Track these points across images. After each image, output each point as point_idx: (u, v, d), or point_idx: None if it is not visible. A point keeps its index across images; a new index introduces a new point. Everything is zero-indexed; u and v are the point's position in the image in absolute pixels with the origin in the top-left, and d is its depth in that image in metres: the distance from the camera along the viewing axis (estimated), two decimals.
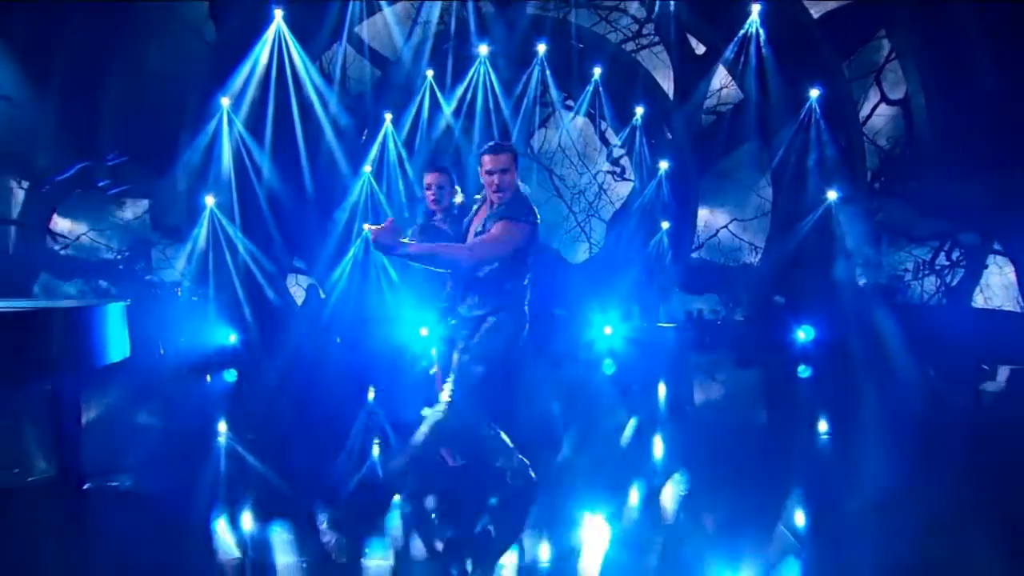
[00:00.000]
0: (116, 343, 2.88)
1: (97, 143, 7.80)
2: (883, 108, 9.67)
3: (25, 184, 8.24)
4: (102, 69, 8.24)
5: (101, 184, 7.39)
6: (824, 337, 8.15)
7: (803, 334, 8.28)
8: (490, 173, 3.24)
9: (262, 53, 8.72)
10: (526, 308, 3.36)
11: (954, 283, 9.04)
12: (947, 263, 9.16)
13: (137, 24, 9.01)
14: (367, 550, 2.78)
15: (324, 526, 2.94)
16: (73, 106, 7.81)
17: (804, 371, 7.33)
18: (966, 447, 4.55)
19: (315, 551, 2.72)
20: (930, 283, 9.19)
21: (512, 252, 3.17)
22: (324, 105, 9.06)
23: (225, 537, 2.78)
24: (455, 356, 3.29)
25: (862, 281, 8.99)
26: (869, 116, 9.72)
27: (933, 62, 8.82)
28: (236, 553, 2.62)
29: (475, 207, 3.48)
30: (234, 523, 2.93)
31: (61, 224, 9.33)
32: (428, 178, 3.90)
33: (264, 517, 2.98)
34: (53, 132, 7.53)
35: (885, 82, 9.60)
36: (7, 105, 6.17)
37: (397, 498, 3.24)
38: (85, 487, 2.47)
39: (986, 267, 8.91)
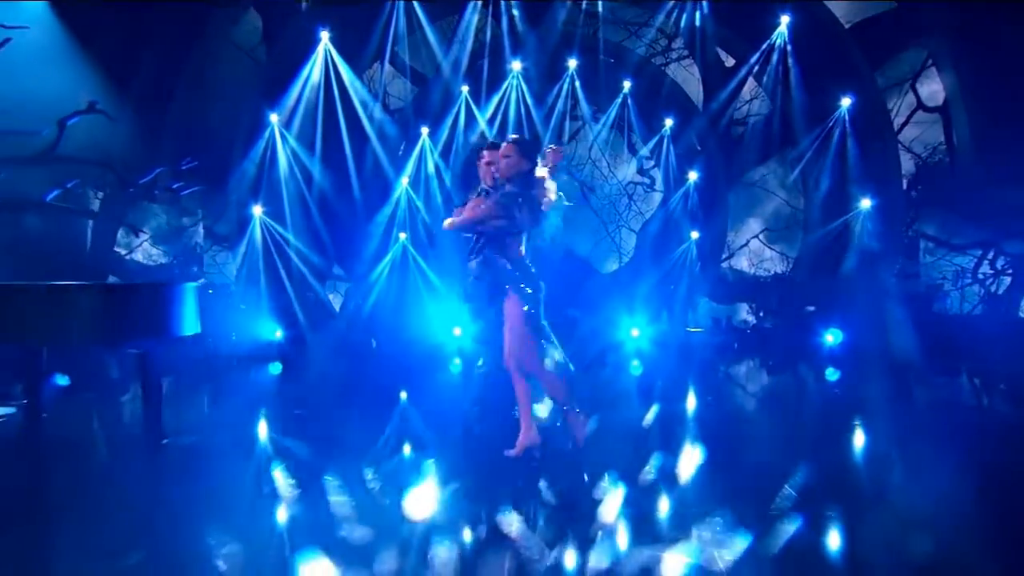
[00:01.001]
0: (190, 318, 3.26)
1: (170, 151, 8.66)
2: (919, 115, 9.53)
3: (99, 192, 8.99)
4: (173, 87, 9.08)
5: (175, 186, 8.21)
6: (853, 341, 7.99)
7: (831, 337, 8.14)
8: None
9: (312, 71, 9.37)
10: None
11: (999, 292, 8.72)
12: (991, 271, 8.86)
13: (201, 48, 9.81)
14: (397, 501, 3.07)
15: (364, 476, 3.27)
16: (151, 119, 8.75)
17: (832, 374, 7.22)
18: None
19: (351, 498, 3.06)
20: (972, 292, 8.89)
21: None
22: (370, 118, 9.64)
23: (279, 483, 3.24)
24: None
25: (898, 289, 8.78)
26: (905, 124, 9.59)
27: (972, 69, 8.69)
28: (287, 495, 3.10)
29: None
30: (286, 472, 3.42)
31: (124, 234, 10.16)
32: (487, 155, 3.96)
33: (309, 468, 3.48)
34: (138, 141, 8.42)
35: (921, 89, 9.48)
36: (105, 119, 7.09)
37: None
38: (164, 441, 2.85)
39: None
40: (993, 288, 8.75)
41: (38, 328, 2.58)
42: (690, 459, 3.97)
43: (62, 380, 4.94)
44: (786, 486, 3.30)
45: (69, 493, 3.10)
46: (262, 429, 4.54)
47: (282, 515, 2.93)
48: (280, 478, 3.29)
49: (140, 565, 2.26)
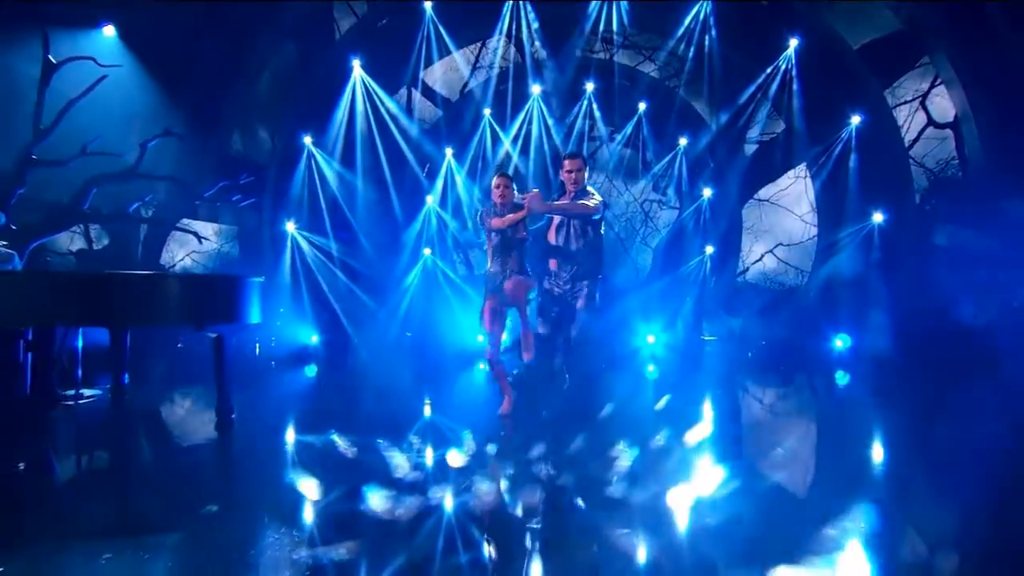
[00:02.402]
0: (256, 310, 3.71)
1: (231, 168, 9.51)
2: (930, 131, 9.74)
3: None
4: (224, 112, 9.89)
5: (235, 198, 8.98)
6: (862, 347, 8.13)
7: (840, 343, 8.28)
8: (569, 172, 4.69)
9: (348, 96, 10.05)
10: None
11: (1015, 303, 8.78)
12: (1005, 282, 8.93)
13: (244, 76, 10.56)
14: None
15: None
16: (213, 140, 9.64)
17: (842, 377, 7.38)
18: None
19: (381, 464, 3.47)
20: (988, 303, 8.95)
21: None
22: (406, 139, 10.26)
23: (328, 452, 3.69)
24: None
25: (913, 300, 8.90)
26: (916, 140, 9.81)
27: (979, 84, 8.91)
28: (333, 460, 3.57)
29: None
30: (330, 444, 3.88)
31: (168, 251, 10.85)
32: (496, 180, 4.69)
33: (351, 441, 3.92)
34: (203, 160, 9.30)
35: (931, 106, 9.71)
36: (177, 140, 7.97)
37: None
38: (233, 416, 3.26)
39: None
40: (1010, 299, 8.82)
41: (141, 311, 3.05)
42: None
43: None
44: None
45: (158, 455, 3.72)
46: (306, 408, 5.30)
47: (333, 467, 3.39)
48: (333, 440, 3.80)
49: (219, 513, 2.72)
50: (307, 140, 10.13)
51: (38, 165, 6.70)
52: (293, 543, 2.30)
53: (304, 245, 10.02)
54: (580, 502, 2.81)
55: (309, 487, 3.04)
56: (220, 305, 3.42)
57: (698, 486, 3.11)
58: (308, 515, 2.69)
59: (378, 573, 2.10)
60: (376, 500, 2.74)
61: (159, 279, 3.16)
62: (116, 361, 4.07)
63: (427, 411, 5.08)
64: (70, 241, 8.82)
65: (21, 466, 3.27)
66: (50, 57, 6.65)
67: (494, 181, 4.66)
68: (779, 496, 3.05)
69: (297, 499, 2.85)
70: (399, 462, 3.36)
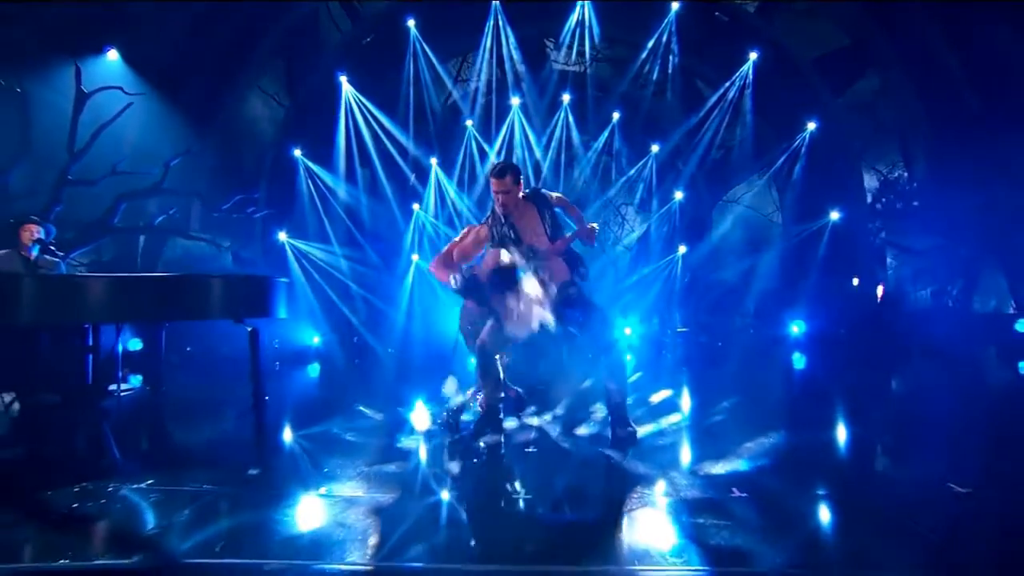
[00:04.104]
0: (283, 306, 4.20)
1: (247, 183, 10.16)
2: (879, 137, 10.62)
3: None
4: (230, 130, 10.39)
5: (250, 210, 9.48)
6: (817, 331, 8.95)
7: (796, 328, 9.09)
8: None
9: (339, 112, 10.57)
10: None
11: (954, 291, 9.67)
12: (947, 273, 9.82)
13: (233, 93, 11.00)
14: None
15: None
16: (229, 158, 10.19)
17: (799, 360, 8.15)
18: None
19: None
20: (932, 291, 9.83)
21: None
22: (398, 146, 10.83)
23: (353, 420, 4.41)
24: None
25: (865, 289, 9.74)
26: (867, 144, 10.68)
27: (919, 93, 9.79)
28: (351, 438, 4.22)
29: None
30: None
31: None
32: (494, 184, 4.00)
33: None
34: (218, 176, 9.88)
35: (879, 113, 10.60)
36: (193, 157, 8.50)
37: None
38: (266, 398, 3.78)
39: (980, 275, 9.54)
40: (949, 287, 9.70)
41: (199, 306, 3.59)
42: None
43: (136, 380, 5.87)
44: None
45: (202, 432, 4.55)
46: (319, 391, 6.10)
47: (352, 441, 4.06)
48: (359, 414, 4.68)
49: (258, 477, 3.30)
50: (297, 152, 10.60)
51: (74, 184, 7.24)
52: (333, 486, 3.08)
53: (296, 251, 10.48)
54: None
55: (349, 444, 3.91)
56: (255, 301, 3.89)
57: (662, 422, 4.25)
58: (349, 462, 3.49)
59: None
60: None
61: (213, 280, 3.66)
62: (154, 356, 4.54)
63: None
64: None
65: (143, 444, 4.12)
66: (82, 88, 7.25)
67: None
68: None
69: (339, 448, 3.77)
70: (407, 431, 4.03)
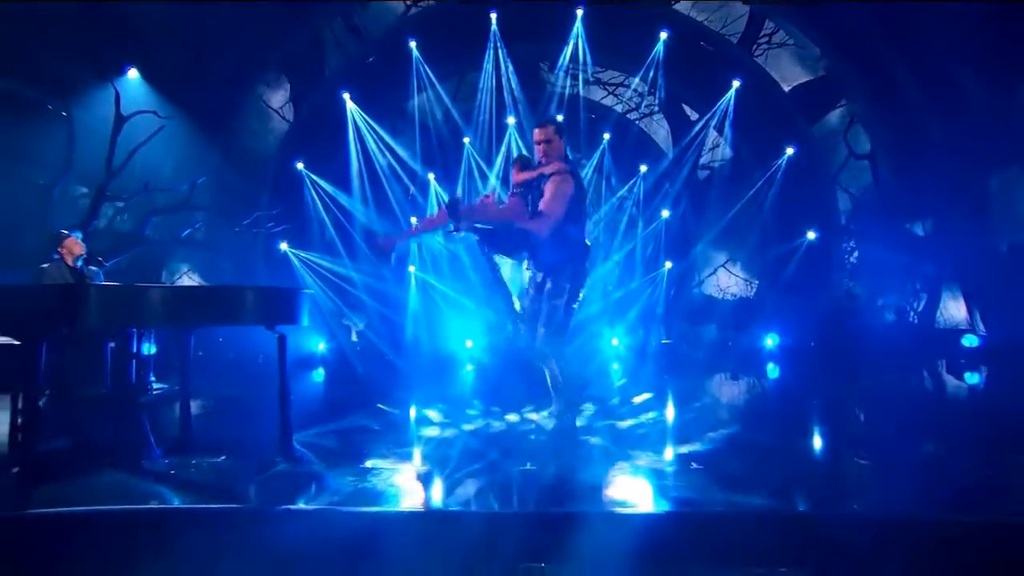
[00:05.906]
0: (305, 315, 4.64)
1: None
2: (852, 162, 11.34)
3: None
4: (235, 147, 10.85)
5: (269, 224, 9.94)
6: (790, 344, 9.60)
7: (770, 340, 9.73)
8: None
9: (344, 127, 11.04)
10: None
11: (919, 307, 10.35)
12: (915, 291, 10.51)
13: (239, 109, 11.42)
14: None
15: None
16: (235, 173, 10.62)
17: (773, 371, 8.77)
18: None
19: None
20: (900, 308, 10.51)
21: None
22: (399, 161, 11.31)
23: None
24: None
25: (839, 305, 10.38)
26: (840, 168, 11.38)
27: (885, 121, 10.51)
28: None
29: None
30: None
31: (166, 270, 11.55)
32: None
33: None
34: (227, 191, 10.36)
35: (851, 139, 11.32)
36: (198, 171, 9.05)
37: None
38: (291, 398, 4.22)
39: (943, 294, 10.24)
40: (914, 303, 10.39)
41: (237, 313, 4.05)
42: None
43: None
44: None
45: (238, 423, 5.35)
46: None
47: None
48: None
49: (283, 470, 3.82)
50: (299, 166, 11.03)
51: (111, 200, 7.76)
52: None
53: (298, 262, 10.90)
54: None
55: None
56: (284, 309, 4.36)
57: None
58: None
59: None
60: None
61: (248, 291, 4.12)
62: (183, 358, 4.98)
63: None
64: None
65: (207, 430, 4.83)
66: (121, 111, 7.94)
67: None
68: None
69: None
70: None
